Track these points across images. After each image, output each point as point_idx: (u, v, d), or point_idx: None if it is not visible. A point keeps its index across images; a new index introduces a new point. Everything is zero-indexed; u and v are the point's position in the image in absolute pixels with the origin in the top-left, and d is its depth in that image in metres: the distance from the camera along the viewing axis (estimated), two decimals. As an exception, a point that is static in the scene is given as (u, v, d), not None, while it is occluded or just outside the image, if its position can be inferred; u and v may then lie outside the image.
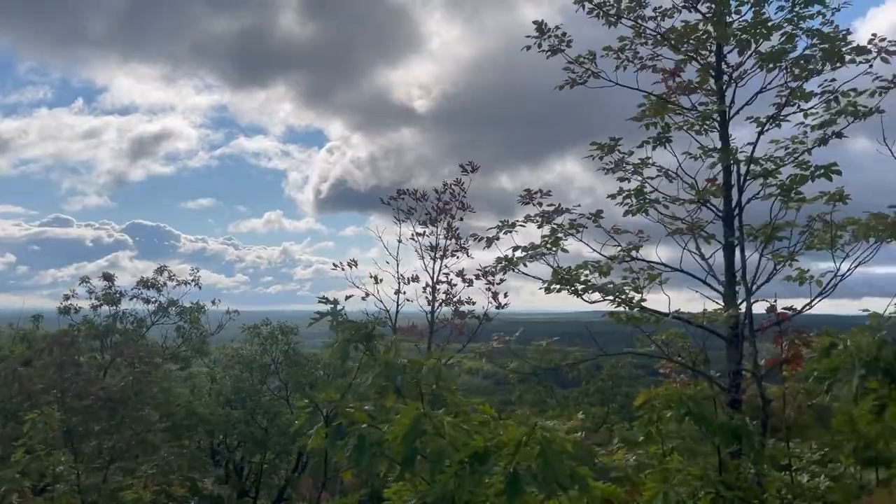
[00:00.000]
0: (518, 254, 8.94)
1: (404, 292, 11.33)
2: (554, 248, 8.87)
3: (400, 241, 12.09)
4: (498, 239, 9.12)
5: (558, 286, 8.78)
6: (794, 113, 9.01)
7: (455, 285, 11.46)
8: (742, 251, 8.69)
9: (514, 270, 9.53)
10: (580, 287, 8.87)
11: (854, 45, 8.33)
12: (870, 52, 8.31)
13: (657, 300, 9.60)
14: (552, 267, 8.90)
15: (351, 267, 11.99)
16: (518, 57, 9.70)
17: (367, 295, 11.38)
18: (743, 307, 9.00)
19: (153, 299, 20.40)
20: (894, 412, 4.55)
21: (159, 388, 16.54)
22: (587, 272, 8.87)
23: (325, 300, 5.49)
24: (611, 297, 9.03)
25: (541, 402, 26.84)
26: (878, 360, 4.35)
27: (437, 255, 11.91)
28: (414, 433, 3.99)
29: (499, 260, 9.34)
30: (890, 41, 8.19)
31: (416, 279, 11.27)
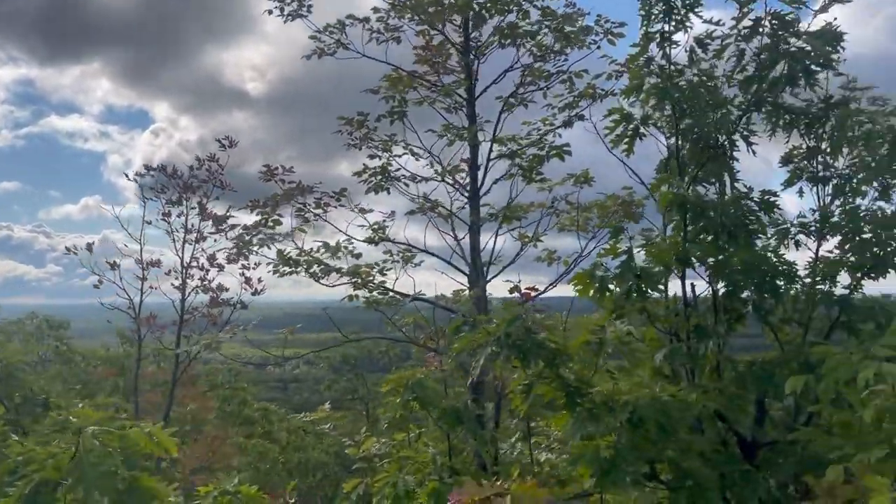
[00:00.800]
0: (232, 233, 8.24)
1: (146, 279, 10.21)
2: (273, 228, 8.26)
3: (149, 223, 10.91)
4: (228, 218, 8.34)
5: (287, 269, 8.19)
6: (534, 91, 9.03)
7: (208, 271, 10.52)
8: (477, 232, 8.57)
9: (254, 252, 8.82)
10: (318, 270, 8.32)
11: (582, 25, 8.43)
12: (596, 32, 8.47)
13: (422, 283, 9.32)
14: (286, 249, 8.28)
15: (89, 250, 10.67)
16: (358, 41, 9.05)
17: (101, 283, 10.14)
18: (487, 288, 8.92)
19: None
20: (542, 390, 4.38)
21: None
22: (325, 254, 8.36)
23: None
24: (357, 280, 8.58)
25: (352, 391, 26.32)
26: (508, 336, 4.14)
27: (193, 239, 10.87)
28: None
29: (235, 242, 8.59)
30: (614, 23, 8.39)
31: (156, 264, 10.19)
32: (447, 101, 9.01)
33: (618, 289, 4.97)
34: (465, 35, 9.07)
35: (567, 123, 9.19)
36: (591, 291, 5.02)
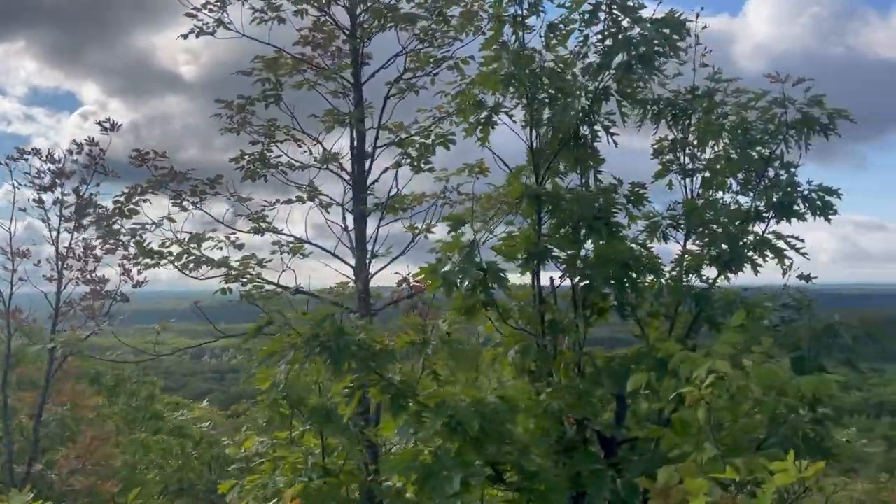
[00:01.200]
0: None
1: (15, 270, 9.52)
2: (129, 216, 7.76)
3: (23, 210, 10.20)
4: (96, 207, 7.80)
5: (150, 262, 7.71)
6: (422, 77, 8.74)
7: (87, 261, 9.88)
8: (363, 222, 8.26)
9: (128, 244, 8.28)
10: (188, 261, 7.86)
11: (465, 10, 8.16)
12: (481, 18, 8.22)
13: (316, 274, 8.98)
14: (146, 240, 7.78)
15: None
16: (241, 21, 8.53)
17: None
18: (374, 281, 8.64)
19: None
20: (375, 395, 4.14)
21: None
22: (193, 244, 7.89)
23: None
24: (229, 273, 8.16)
25: (275, 384, 25.65)
26: (317, 336, 3.87)
27: (71, 227, 10.18)
28: None
29: (100, 233, 8.05)
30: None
31: (24, 254, 9.51)
32: (332, 86, 8.63)
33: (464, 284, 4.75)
34: (352, 17, 8.68)
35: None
36: (438, 287, 4.79)
